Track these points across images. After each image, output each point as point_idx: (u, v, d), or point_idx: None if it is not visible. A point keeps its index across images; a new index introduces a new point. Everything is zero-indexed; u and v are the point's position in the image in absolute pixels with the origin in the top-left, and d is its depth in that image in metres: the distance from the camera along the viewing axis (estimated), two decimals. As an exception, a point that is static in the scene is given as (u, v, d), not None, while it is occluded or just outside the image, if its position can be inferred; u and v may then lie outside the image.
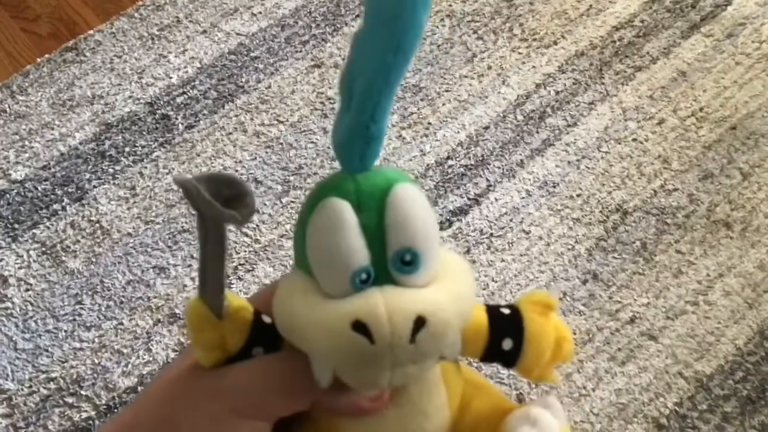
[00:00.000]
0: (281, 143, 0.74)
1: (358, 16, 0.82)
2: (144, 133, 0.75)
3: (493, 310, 0.32)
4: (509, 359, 0.32)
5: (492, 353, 0.31)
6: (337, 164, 0.27)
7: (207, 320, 0.28)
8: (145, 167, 0.73)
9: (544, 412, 0.27)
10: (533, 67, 0.79)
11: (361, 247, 0.26)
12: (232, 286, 0.66)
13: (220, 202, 0.25)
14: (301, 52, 0.80)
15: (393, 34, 0.23)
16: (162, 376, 0.30)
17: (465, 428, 0.30)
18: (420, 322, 0.25)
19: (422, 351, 0.26)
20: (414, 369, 0.26)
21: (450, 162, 0.72)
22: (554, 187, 0.70)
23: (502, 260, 0.66)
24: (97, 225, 0.70)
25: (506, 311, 0.32)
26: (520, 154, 0.72)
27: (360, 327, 0.25)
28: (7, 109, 0.78)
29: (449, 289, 0.27)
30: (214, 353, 0.29)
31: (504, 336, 0.31)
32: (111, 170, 0.73)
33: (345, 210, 0.26)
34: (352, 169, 0.27)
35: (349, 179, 0.27)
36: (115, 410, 0.60)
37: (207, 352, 0.29)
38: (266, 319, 0.30)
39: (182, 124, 0.76)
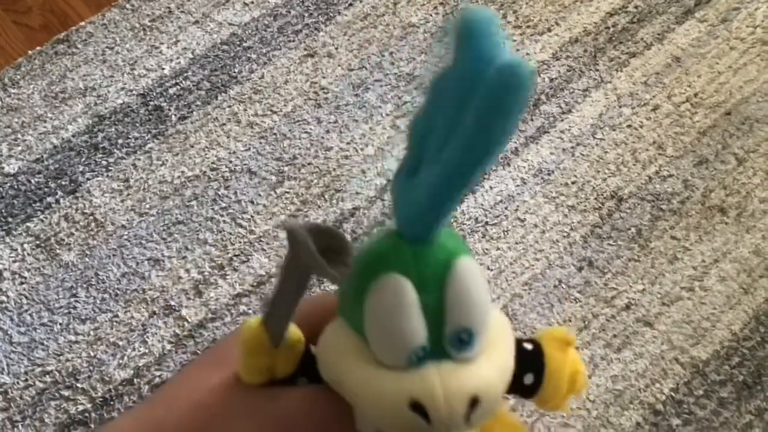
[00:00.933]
0: (275, 134, 0.74)
1: (351, 4, 0.82)
2: (137, 124, 0.75)
3: (517, 347, 0.32)
4: (529, 392, 0.33)
5: (514, 387, 0.32)
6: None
7: (263, 347, 0.29)
8: (139, 159, 0.73)
9: None
10: (527, 54, 0.78)
11: (421, 328, 0.26)
12: (227, 277, 0.65)
13: (320, 250, 0.24)
14: (294, 41, 0.80)
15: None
16: (193, 383, 0.30)
17: None
18: (474, 402, 0.26)
19: (473, 425, 0.27)
20: None
21: (444, 150, 0.72)
22: (549, 174, 0.70)
23: (498, 248, 0.66)
24: (91, 217, 0.69)
25: (529, 347, 0.34)
26: (515, 142, 0.72)
27: (417, 407, 0.25)
28: (-1, 102, 0.77)
29: (498, 363, 0.28)
30: (261, 377, 0.30)
31: (526, 371, 0.33)
32: (104, 162, 0.73)
33: (407, 291, 0.25)
34: (414, 239, 0.26)
35: (408, 251, 0.26)
36: (111, 402, 0.60)
37: (254, 375, 0.30)
38: (313, 350, 0.31)
39: (175, 115, 0.75)
